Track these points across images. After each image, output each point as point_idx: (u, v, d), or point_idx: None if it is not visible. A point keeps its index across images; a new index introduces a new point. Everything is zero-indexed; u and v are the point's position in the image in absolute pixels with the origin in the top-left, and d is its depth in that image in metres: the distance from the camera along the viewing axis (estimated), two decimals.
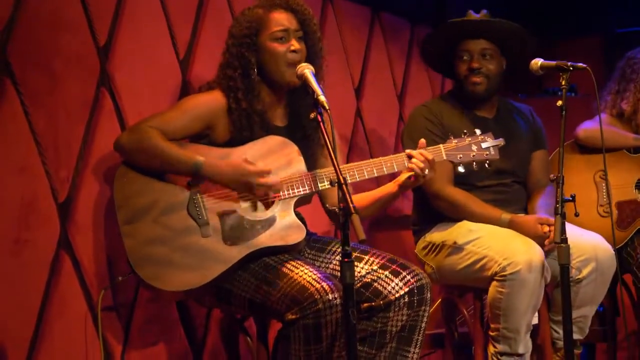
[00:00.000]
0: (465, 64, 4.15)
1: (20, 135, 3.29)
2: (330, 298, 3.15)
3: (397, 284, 3.41)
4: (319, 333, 3.18)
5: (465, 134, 3.56)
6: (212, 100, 3.47)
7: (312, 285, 3.18)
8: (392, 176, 3.61)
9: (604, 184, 4.55)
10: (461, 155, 3.53)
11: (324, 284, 3.18)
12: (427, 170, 3.41)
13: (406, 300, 3.40)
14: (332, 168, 3.00)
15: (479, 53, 4.13)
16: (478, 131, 3.58)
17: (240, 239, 3.33)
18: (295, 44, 3.47)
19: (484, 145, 3.55)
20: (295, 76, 3.39)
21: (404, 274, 3.43)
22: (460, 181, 4.05)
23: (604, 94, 4.74)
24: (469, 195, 4.06)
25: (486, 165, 3.56)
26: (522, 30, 4.15)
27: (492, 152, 3.55)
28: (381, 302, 3.42)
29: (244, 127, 3.44)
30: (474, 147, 3.55)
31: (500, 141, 3.59)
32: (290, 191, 3.40)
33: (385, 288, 3.42)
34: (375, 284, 3.43)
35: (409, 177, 3.45)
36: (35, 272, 3.32)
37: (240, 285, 3.34)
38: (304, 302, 3.16)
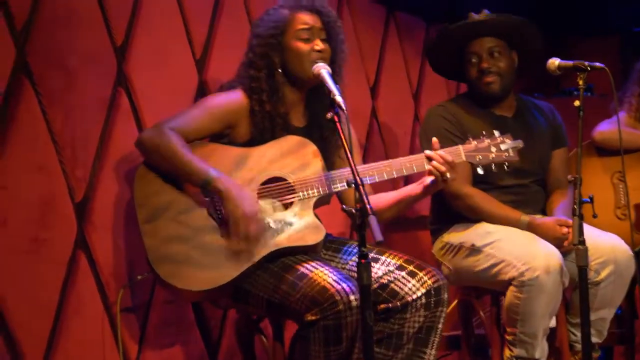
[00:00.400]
0: (475, 66, 4.12)
1: (38, 134, 3.29)
2: (351, 299, 3.14)
3: (414, 285, 3.39)
4: (339, 334, 3.17)
5: (483, 135, 3.54)
6: (234, 101, 3.46)
7: (332, 286, 3.17)
8: (407, 178, 3.59)
9: (621, 186, 4.53)
10: (480, 157, 3.51)
11: (344, 285, 3.17)
12: (448, 174, 3.39)
13: (423, 301, 3.39)
14: (349, 168, 2.99)
15: (487, 52, 4.10)
16: (497, 133, 3.55)
17: (259, 239, 3.32)
18: (319, 44, 3.47)
19: (503, 146, 3.53)
20: (314, 77, 3.38)
21: (421, 274, 3.41)
22: (479, 180, 4.02)
23: (624, 95, 4.71)
24: (488, 196, 4.04)
25: (505, 167, 3.54)
26: (522, 21, 4.11)
27: (511, 154, 3.53)
28: (398, 303, 3.40)
29: (266, 129, 3.44)
30: (493, 149, 3.53)
31: (519, 143, 3.56)
32: (309, 192, 3.39)
33: (402, 289, 3.40)
34: (392, 285, 3.42)
35: (432, 180, 3.43)
36: (52, 271, 3.33)
37: (259, 285, 3.32)
38: (325, 303, 3.15)
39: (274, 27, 3.48)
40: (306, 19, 3.49)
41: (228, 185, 3.27)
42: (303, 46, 3.46)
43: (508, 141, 3.55)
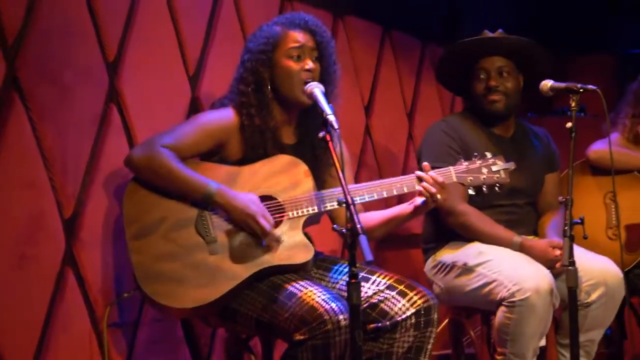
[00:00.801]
0: (483, 82, 4.13)
1: (28, 150, 3.28)
2: (340, 319, 3.13)
3: (404, 305, 3.38)
4: (327, 354, 3.16)
5: (476, 156, 3.55)
6: (225, 118, 3.46)
7: (321, 306, 3.16)
8: (400, 197, 3.59)
9: (613, 206, 4.52)
10: (471, 178, 3.51)
11: (334, 305, 3.16)
12: (438, 195, 3.39)
13: (413, 321, 3.38)
14: (340, 188, 2.98)
15: (496, 71, 4.12)
16: (489, 154, 3.56)
17: (248, 257, 3.31)
18: (309, 63, 3.46)
19: (494, 168, 3.53)
20: (305, 95, 3.38)
21: (411, 294, 3.40)
22: (473, 199, 4.00)
23: (618, 116, 4.72)
24: (482, 214, 4.04)
25: (496, 188, 3.53)
26: (537, 47, 4.13)
27: (503, 176, 3.53)
28: (388, 322, 3.39)
29: (257, 145, 3.44)
30: (484, 170, 3.53)
31: (511, 165, 3.56)
32: (299, 211, 3.38)
33: (392, 309, 3.39)
34: (382, 305, 3.41)
35: (423, 201, 3.43)
36: (40, 287, 3.31)
37: (247, 304, 3.32)
38: (313, 323, 3.14)
39: (265, 43, 3.47)
40: (298, 37, 3.48)
41: (229, 196, 3.28)
42: (293, 65, 3.46)
43: (500, 163, 3.55)
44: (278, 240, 3.32)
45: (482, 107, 4.15)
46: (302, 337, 3.16)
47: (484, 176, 3.52)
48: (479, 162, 3.53)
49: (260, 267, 3.31)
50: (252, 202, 3.30)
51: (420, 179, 3.41)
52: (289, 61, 3.46)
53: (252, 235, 3.31)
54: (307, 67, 3.45)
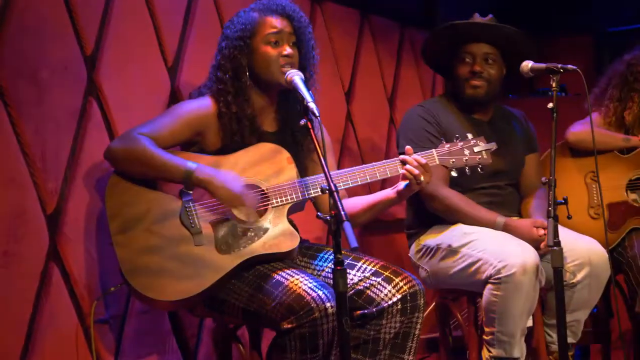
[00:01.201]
0: (468, 66, 4.13)
1: (8, 146, 3.26)
2: (327, 307, 3.14)
3: (390, 291, 3.39)
4: (315, 342, 3.16)
5: (457, 138, 3.55)
6: (203, 107, 3.45)
7: (308, 294, 3.16)
8: (384, 181, 3.59)
9: (594, 186, 4.54)
10: (454, 160, 3.51)
11: (320, 293, 3.16)
12: (422, 177, 3.39)
13: (399, 307, 3.38)
14: (323, 174, 2.98)
15: (482, 57, 4.12)
16: (470, 135, 3.56)
17: (234, 247, 3.31)
18: (287, 49, 3.45)
19: (476, 149, 3.54)
20: (284, 81, 3.37)
21: (397, 280, 3.40)
22: (455, 182, 4.02)
23: (602, 97, 4.71)
24: (464, 197, 4.04)
25: (479, 169, 3.54)
26: (528, 40, 4.13)
27: (485, 157, 3.54)
28: (374, 309, 3.40)
29: (234, 132, 3.43)
30: (467, 152, 3.53)
31: (493, 145, 3.57)
32: (283, 198, 3.38)
33: (378, 295, 3.39)
34: (368, 291, 3.41)
35: (406, 184, 3.43)
36: (24, 284, 3.29)
37: (234, 294, 3.31)
38: (300, 311, 3.14)
39: (243, 30, 3.47)
40: (276, 22, 3.48)
41: (209, 173, 3.28)
42: (271, 50, 3.45)
43: (481, 144, 3.55)
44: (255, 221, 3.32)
45: (464, 91, 4.15)
46: (289, 326, 3.16)
47: (466, 157, 3.52)
48: (461, 143, 3.54)
49: (246, 257, 3.30)
50: (235, 179, 3.30)
51: (403, 163, 3.41)
52: (267, 47, 3.45)
53: (239, 221, 3.30)
54: (285, 52, 3.44)
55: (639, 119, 4.60)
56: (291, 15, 3.52)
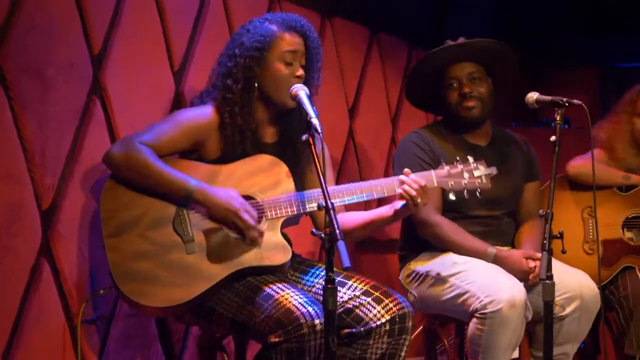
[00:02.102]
0: (456, 90, 4.10)
1: (8, 140, 3.26)
2: (316, 323, 3.14)
3: (379, 312, 3.38)
4: (301, 358, 3.16)
5: (457, 160, 3.54)
6: (204, 116, 3.44)
7: (297, 309, 3.16)
8: (380, 199, 3.58)
9: (591, 221, 4.53)
10: (452, 183, 3.50)
11: (310, 309, 3.16)
12: (419, 199, 3.38)
13: (387, 328, 3.38)
14: (321, 189, 2.98)
15: (467, 77, 4.09)
16: (471, 158, 3.55)
17: (226, 257, 3.30)
18: (300, 70, 3.45)
19: (476, 173, 3.52)
20: (292, 102, 3.36)
21: (387, 301, 3.40)
22: (449, 209, 4.01)
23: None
24: (456, 226, 4.02)
25: (477, 193, 3.53)
26: (504, 46, 4.11)
27: (485, 181, 3.52)
28: (362, 329, 3.39)
29: (236, 143, 3.42)
30: (466, 175, 3.52)
31: (493, 170, 3.56)
32: (278, 211, 3.37)
33: (367, 315, 3.39)
34: (357, 310, 3.40)
35: (403, 204, 3.42)
36: (14, 279, 3.29)
37: (223, 304, 3.31)
38: (289, 326, 3.14)
39: (261, 42, 3.44)
40: (294, 41, 3.47)
41: (209, 193, 3.27)
42: (284, 69, 3.44)
43: (482, 168, 3.54)
44: (262, 234, 3.30)
45: (458, 115, 4.12)
46: (276, 340, 3.15)
47: (466, 181, 3.51)
48: (461, 166, 3.52)
49: (238, 268, 3.30)
50: (233, 197, 3.29)
51: (401, 183, 3.40)
52: (281, 65, 3.44)
53: (234, 232, 3.29)
54: (297, 73, 3.44)
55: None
56: (307, 34, 3.51)
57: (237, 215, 3.25)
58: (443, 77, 4.13)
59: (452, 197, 3.53)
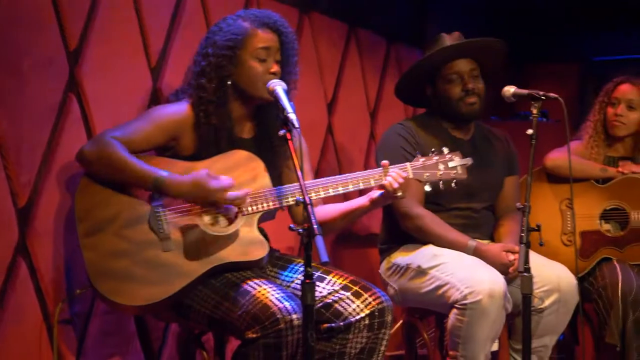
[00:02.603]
0: (458, 85, 4.10)
1: None
2: (293, 318, 3.14)
3: (358, 306, 3.38)
4: (279, 353, 3.16)
5: (433, 152, 3.54)
6: (179, 113, 3.43)
7: (274, 304, 3.16)
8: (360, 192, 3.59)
9: (569, 213, 4.56)
10: (428, 174, 3.51)
11: (287, 304, 3.16)
12: (399, 192, 3.39)
13: (367, 322, 3.38)
14: (299, 184, 2.98)
15: (469, 74, 4.11)
16: (445, 149, 3.55)
17: (202, 253, 3.29)
18: (274, 67, 3.45)
19: (451, 164, 3.52)
20: (267, 92, 3.36)
21: (366, 295, 3.40)
22: (429, 201, 4.02)
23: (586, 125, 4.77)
24: (437, 218, 4.04)
25: (453, 184, 3.53)
26: (504, 49, 4.15)
27: (460, 172, 3.52)
28: (341, 323, 3.39)
29: (211, 142, 3.42)
30: (441, 166, 3.52)
31: (468, 160, 3.55)
32: (254, 207, 3.36)
33: (346, 309, 3.39)
34: (337, 305, 3.41)
35: (381, 193, 3.43)
36: None
37: (201, 300, 3.30)
38: (266, 321, 3.14)
39: (233, 40, 3.44)
40: (267, 38, 3.46)
41: (178, 179, 3.25)
42: (258, 67, 3.44)
43: (457, 158, 3.54)
44: (244, 199, 3.28)
45: (459, 110, 4.13)
46: (254, 336, 3.16)
47: (441, 172, 3.51)
48: (436, 158, 3.52)
49: (214, 264, 3.29)
50: (199, 173, 3.26)
51: (386, 174, 3.43)
52: (255, 62, 3.44)
53: (208, 227, 3.28)
54: (272, 70, 3.44)
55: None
56: (281, 30, 3.50)
57: (207, 185, 3.24)
58: (441, 72, 4.13)
59: (427, 188, 3.53)
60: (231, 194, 3.27)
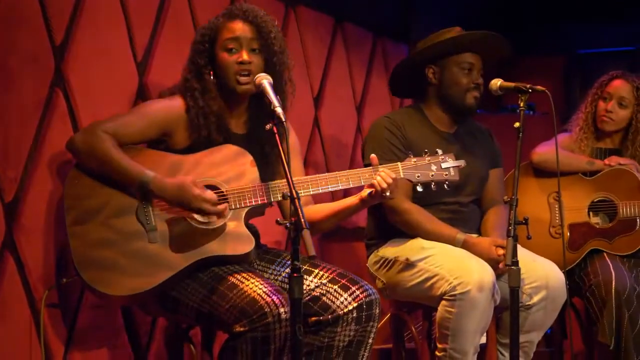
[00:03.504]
0: (469, 77, 4.10)
1: None
2: (281, 312, 3.14)
3: (345, 299, 3.39)
4: (266, 347, 3.17)
5: (425, 152, 3.53)
6: (172, 107, 3.44)
7: (262, 298, 3.16)
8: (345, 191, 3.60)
9: (557, 206, 4.57)
10: (419, 175, 3.50)
11: (275, 298, 3.16)
12: (388, 191, 3.39)
13: (354, 315, 3.39)
14: (288, 180, 2.99)
15: (478, 69, 4.12)
16: (439, 151, 3.54)
17: (188, 246, 3.29)
18: (244, 56, 3.43)
19: (444, 165, 3.51)
20: (241, 88, 3.40)
21: (354, 288, 3.41)
22: (417, 196, 4.01)
23: (577, 116, 4.79)
24: (426, 212, 4.03)
25: (445, 186, 3.53)
26: (510, 51, 4.18)
27: (452, 173, 3.51)
28: (329, 316, 3.40)
29: (201, 127, 3.41)
30: (434, 167, 3.50)
31: (461, 163, 3.55)
32: (242, 201, 3.36)
33: (333, 302, 3.40)
34: (324, 298, 3.41)
35: (370, 193, 3.44)
36: None
37: (188, 294, 3.30)
38: (254, 315, 3.14)
39: (205, 35, 3.48)
40: (234, 27, 3.45)
41: (165, 183, 3.26)
42: (227, 57, 3.44)
43: (450, 160, 3.52)
44: (223, 213, 3.28)
45: (463, 101, 4.11)
46: (242, 329, 3.16)
47: (433, 173, 3.50)
48: (429, 158, 3.51)
49: (200, 257, 3.30)
50: (184, 180, 3.27)
51: (376, 173, 3.42)
52: (224, 54, 3.44)
53: (195, 218, 3.28)
54: (240, 59, 3.42)
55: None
56: (252, 20, 3.47)
57: (191, 191, 3.23)
58: (453, 58, 4.11)
59: (419, 189, 3.52)
60: (210, 208, 3.27)
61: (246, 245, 3.35)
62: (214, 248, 3.31)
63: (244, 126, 3.57)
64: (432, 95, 4.20)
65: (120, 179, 3.28)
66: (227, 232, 3.33)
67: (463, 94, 4.11)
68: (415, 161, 3.50)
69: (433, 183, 3.51)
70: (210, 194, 3.27)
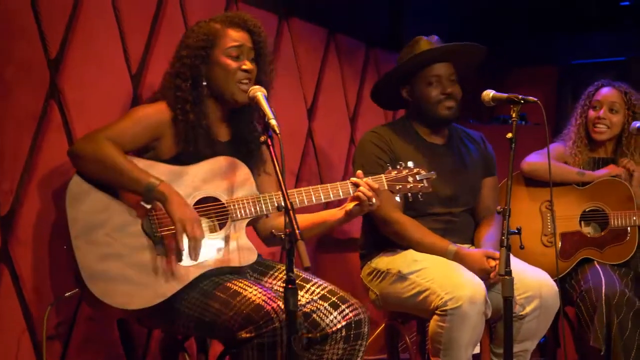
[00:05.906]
0: (437, 89, 4.11)
1: None
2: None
3: (335, 317, 3.39)
4: (273, 352, 3.17)
5: (401, 165, 3.62)
6: (158, 112, 3.45)
7: (267, 304, 3.18)
8: (340, 202, 3.61)
9: (549, 214, 4.58)
10: (400, 186, 3.61)
11: (280, 303, 3.17)
12: (373, 199, 3.44)
13: (343, 334, 3.38)
14: (279, 191, 3.02)
15: (448, 78, 4.13)
16: (411, 163, 3.65)
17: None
18: (247, 64, 3.47)
19: (418, 177, 3.62)
20: (242, 96, 3.42)
21: (343, 307, 3.40)
22: (408, 207, 4.03)
23: (570, 127, 4.82)
24: (417, 223, 4.04)
25: (419, 196, 3.61)
26: (484, 54, 4.18)
27: (426, 184, 3.63)
28: (318, 334, 3.39)
29: (189, 140, 3.42)
30: (410, 179, 3.62)
31: (432, 174, 3.65)
32: (242, 212, 3.38)
33: (323, 320, 3.39)
34: (314, 315, 3.40)
35: (356, 205, 3.48)
36: None
37: (188, 304, 3.30)
38: (260, 321, 3.15)
39: (205, 40, 3.48)
40: (238, 36, 3.49)
41: (171, 191, 3.27)
42: (232, 63, 3.46)
43: (423, 172, 3.64)
44: (196, 256, 3.29)
45: (435, 113, 4.13)
46: (247, 335, 3.17)
47: (410, 185, 3.62)
48: (405, 171, 3.63)
49: (206, 269, 3.32)
50: (190, 208, 3.29)
51: (356, 185, 3.48)
52: (228, 59, 3.47)
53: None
54: (244, 67, 3.46)
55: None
56: (252, 30, 3.53)
57: (187, 221, 3.24)
58: (420, 74, 4.13)
59: (397, 199, 3.66)
60: (189, 244, 3.27)
61: (249, 256, 3.40)
62: (219, 260, 3.34)
63: (227, 133, 3.60)
64: (413, 111, 4.24)
65: (124, 185, 3.28)
66: (231, 243, 3.36)
67: (434, 107, 4.13)
68: (395, 173, 3.61)
69: (410, 194, 3.62)
70: (200, 233, 3.27)
